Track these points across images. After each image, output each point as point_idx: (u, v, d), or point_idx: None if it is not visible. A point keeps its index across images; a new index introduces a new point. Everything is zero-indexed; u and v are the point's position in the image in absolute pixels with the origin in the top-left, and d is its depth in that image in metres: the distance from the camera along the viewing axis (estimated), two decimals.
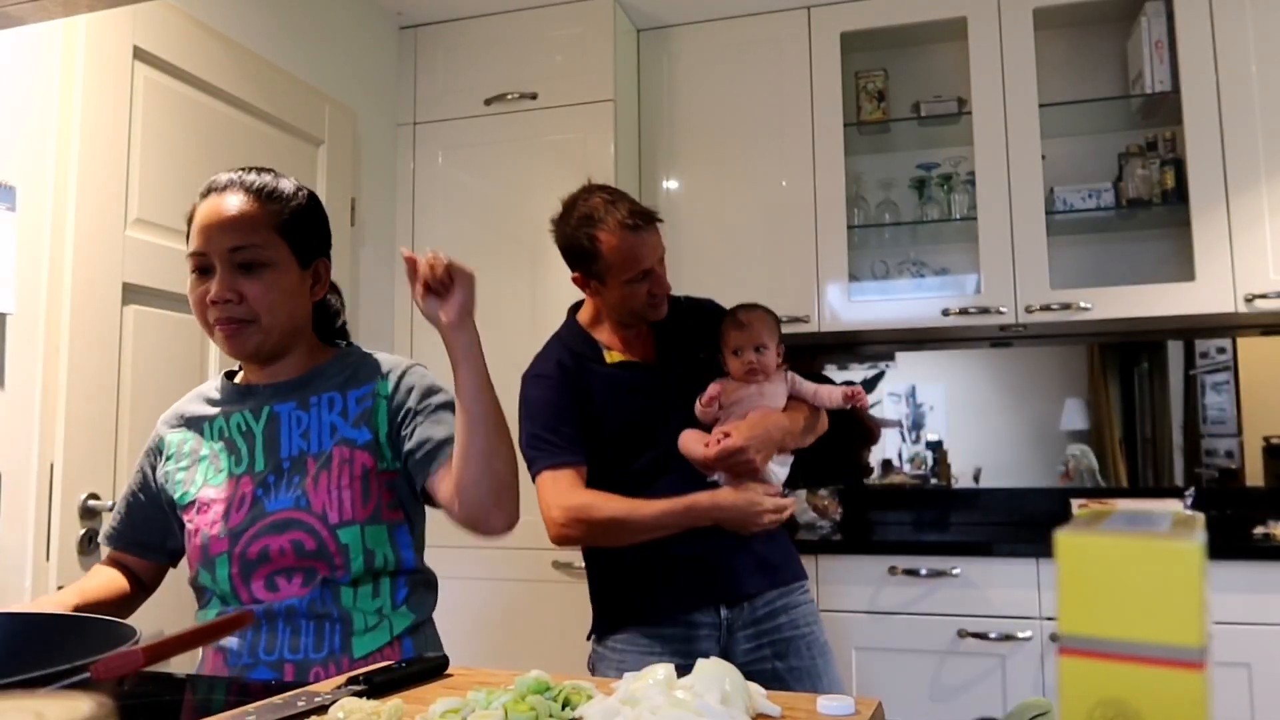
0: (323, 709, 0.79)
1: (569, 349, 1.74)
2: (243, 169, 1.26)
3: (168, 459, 1.31)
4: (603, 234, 1.66)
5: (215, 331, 1.21)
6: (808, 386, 1.77)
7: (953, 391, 2.87)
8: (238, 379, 1.34)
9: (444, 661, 0.96)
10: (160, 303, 1.96)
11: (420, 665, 0.93)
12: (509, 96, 2.77)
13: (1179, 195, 2.54)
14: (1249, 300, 2.39)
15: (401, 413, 1.25)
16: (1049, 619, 2.22)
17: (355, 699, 0.78)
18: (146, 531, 1.33)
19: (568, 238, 1.71)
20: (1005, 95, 2.60)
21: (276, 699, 0.83)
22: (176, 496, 1.27)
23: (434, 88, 2.87)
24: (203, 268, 1.20)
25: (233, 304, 1.18)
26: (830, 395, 1.76)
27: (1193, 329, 2.66)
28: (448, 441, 1.22)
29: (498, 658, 2.56)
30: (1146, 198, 2.61)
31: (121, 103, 1.87)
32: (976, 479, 2.82)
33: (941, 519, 2.82)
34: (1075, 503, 2.50)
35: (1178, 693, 0.37)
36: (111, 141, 1.85)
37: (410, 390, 1.26)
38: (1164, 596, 0.38)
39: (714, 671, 0.73)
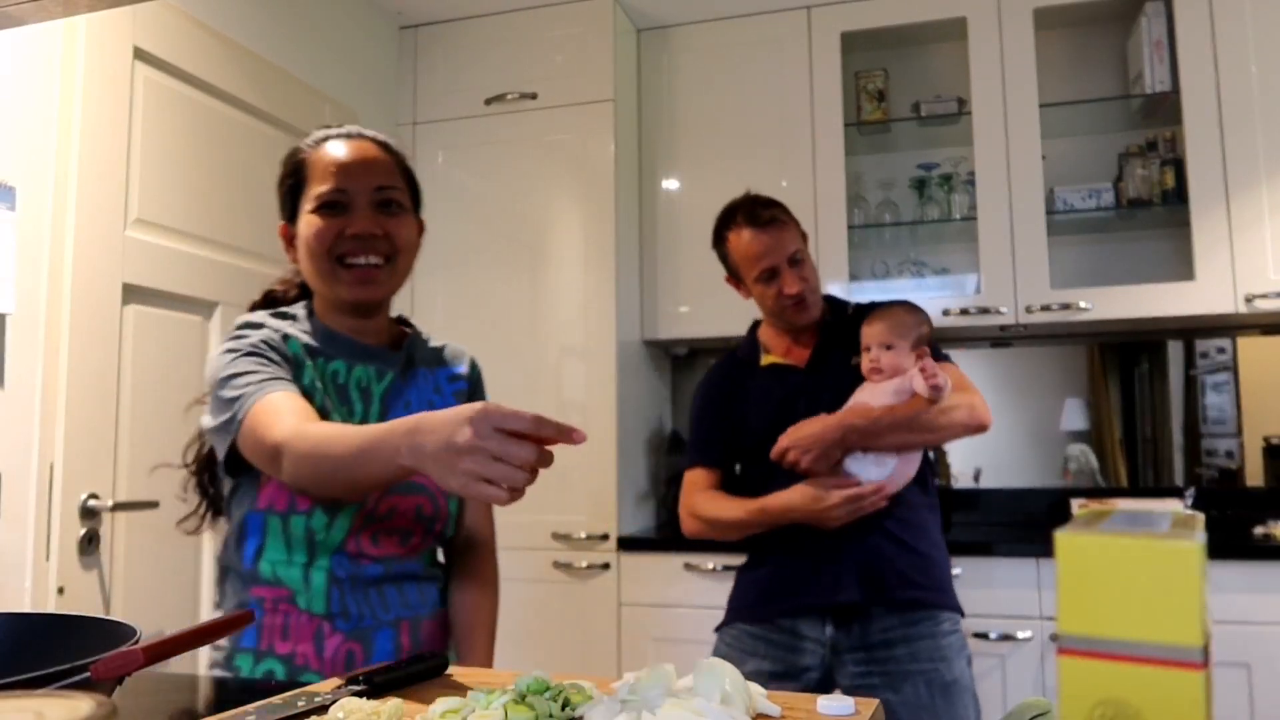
0: (323, 709, 0.79)
1: (734, 354, 1.84)
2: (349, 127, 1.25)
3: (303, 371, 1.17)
4: (730, 233, 1.72)
5: (342, 273, 1.16)
6: (918, 379, 1.63)
7: None
8: (317, 317, 1.22)
9: (444, 661, 0.96)
10: (160, 303, 1.96)
11: (420, 665, 0.93)
12: (509, 96, 2.77)
13: (1179, 195, 2.54)
14: (1249, 300, 2.39)
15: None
16: (1049, 619, 2.22)
17: (355, 699, 0.78)
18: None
19: (714, 243, 1.79)
20: (1005, 95, 2.60)
21: (276, 699, 0.83)
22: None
23: (434, 88, 2.87)
24: (335, 204, 1.16)
25: (377, 239, 1.16)
26: (918, 382, 1.63)
27: (1193, 329, 2.66)
28: None
29: (498, 658, 2.56)
30: (1146, 198, 2.61)
31: (121, 103, 1.87)
32: (976, 479, 2.82)
33: (941, 519, 2.81)
34: (1075, 503, 2.50)
35: (1178, 693, 0.37)
36: (111, 141, 1.85)
37: (483, 390, 1.35)
38: (1164, 596, 0.38)
39: (714, 671, 0.73)
